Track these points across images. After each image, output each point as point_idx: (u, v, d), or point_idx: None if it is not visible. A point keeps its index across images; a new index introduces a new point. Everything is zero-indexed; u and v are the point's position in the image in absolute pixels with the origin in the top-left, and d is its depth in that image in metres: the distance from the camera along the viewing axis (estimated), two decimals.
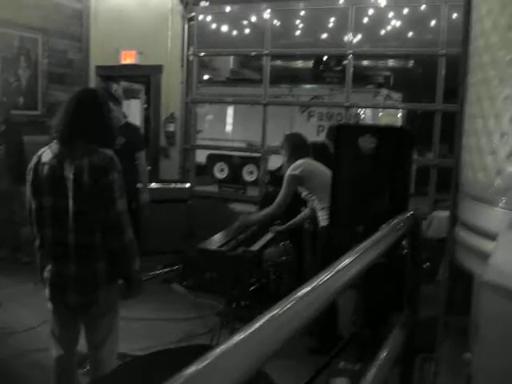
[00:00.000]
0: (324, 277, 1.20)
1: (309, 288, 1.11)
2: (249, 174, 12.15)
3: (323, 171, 4.49)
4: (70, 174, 2.67)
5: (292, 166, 4.53)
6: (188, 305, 5.43)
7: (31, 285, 5.62)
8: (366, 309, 3.46)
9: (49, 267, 2.80)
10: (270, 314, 0.97)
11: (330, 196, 3.80)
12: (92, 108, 2.83)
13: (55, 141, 2.77)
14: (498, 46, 1.88)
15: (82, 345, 2.99)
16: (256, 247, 4.55)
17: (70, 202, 2.67)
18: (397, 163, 3.31)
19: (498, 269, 1.47)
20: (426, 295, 2.81)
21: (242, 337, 0.88)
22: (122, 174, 2.76)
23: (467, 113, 2.18)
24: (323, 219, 4.42)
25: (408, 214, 2.06)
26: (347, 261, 1.38)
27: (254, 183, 9.65)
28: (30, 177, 2.77)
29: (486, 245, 1.67)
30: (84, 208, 2.67)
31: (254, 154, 8.23)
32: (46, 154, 2.77)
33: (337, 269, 1.29)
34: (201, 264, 5.61)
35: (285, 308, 1.01)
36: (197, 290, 5.70)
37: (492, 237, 1.64)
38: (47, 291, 2.82)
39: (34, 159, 2.80)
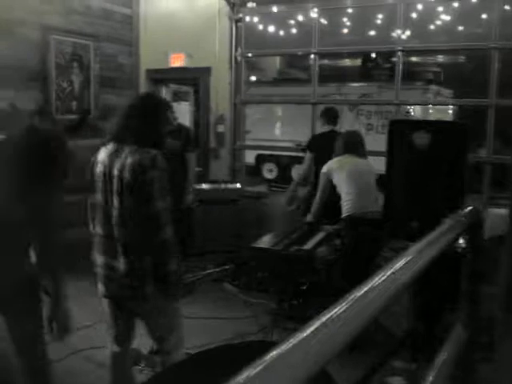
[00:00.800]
0: (384, 275, 1.19)
1: (369, 286, 1.11)
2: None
3: (356, 164, 4.71)
4: (116, 172, 2.77)
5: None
6: (240, 304, 5.46)
7: (84, 282, 5.84)
8: (421, 306, 3.42)
9: (99, 262, 2.89)
10: (333, 312, 0.97)
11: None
12: (143, 111, 2.91)
13: (110, 141, 2.88)
14: None
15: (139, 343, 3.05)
16: (308, 246, 4.55)
17: (116, 198, 2.77)
18: (452, 158, 3.25)
19: None
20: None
21: (305, 335, 0.88)
22: (167, 174, 2.81)
23: None
24: (346, 206, 4.67)
25: (470, 209, 2.01)
26: (408, 258, 1.36)
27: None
28: (88, 176, 2.90)
29: None
30: (125, 204, 2.75)
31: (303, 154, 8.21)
32: (101, 153, 2.88)
33: (398, 266, 1.27)
34: (253, 263, 5.64)
35: (346, 306, 1.02)
36: (248, 289, 5.73)
37: None
38: (99, 286, 2.91)
39: (92, 159, 2.91)
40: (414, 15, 7.18)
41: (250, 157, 10.69)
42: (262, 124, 12.12)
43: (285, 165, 12.37)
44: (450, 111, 11.50)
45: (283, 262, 4.37)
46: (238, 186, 7.34)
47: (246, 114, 8.28)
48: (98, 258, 2.90)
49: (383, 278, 1.21)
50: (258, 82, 12.47)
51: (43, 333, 2.76)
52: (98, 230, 2.89)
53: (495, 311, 2.62)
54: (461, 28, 8.28)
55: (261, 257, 4.94)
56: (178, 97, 8.77)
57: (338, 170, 4.92)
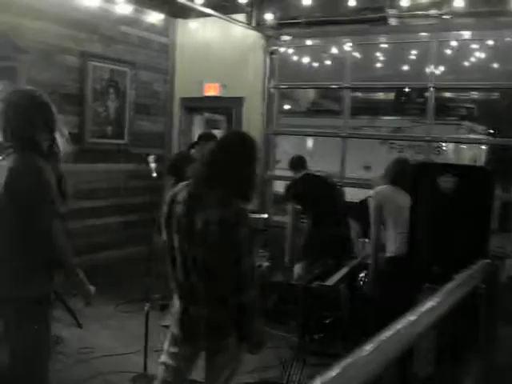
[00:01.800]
0: (403, 324, 1.25)
1: (392, 332, 1.16)
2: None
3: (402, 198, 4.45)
4: (199, 222, 2.61)
5: None
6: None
7: (111, 307, 5.94)
8: (442, 350, 3.40)
9: (177, 305, 2.82)
10: (357, 355, 1.02)
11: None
12: (239, 154, 2.74)
13: (192, 182, 2.74)
14: None
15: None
16: (331, 282, 4.56)
17: (198, 249, 2.64)
18: (477, 203, 3.25)
19: None
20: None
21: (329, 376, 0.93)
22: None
23: None
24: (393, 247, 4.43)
25: (485, 262, 2.03)
26: (427, 307, 1.40)
27: None
28: (164, 212, 2.76)
29: None
30: (211, 259, 2.64)
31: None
32: (182, 193, 2.73)
33: (417, 315, 1.32)
34: (275, 296, 5.66)
35: (372, 349, 1.07)
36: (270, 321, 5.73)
37: None
38: (175, 328, 2.83)
39: (170, 195, 2.79)
40: (448, 51, 7.20)
41: (279, 186, 10.71)
42: (293, 153, 12.15)
43: None
44: (483, 147, 11.42)
45: (305, 296, 4.38)
46: (266, 216, 7.38)
47: (276, 143, 8.34)
48: (177, 304, 2.82)
49: (403, 325, 1.27)
50: (291, 112, 12.55)
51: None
52: (176, 272, 2.77)
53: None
54: (495, 65, 8.24)
55: (284, 290, 5.00)
56: (211, 125, 8.88)
57: (388, 201, 4.48)
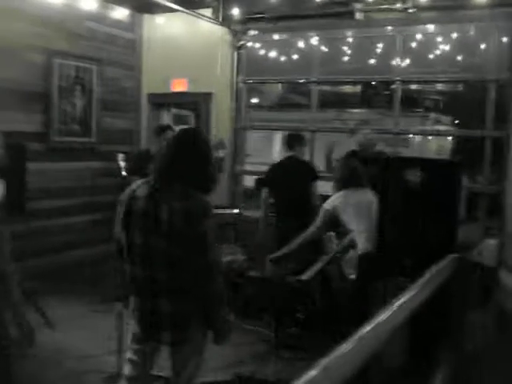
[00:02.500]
0: (382, 318, 1.27)
1: (368, 328, 1.19)
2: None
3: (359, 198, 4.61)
4: (164, 215, 2.66)
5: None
6: (235, 331, 5.47)
7: (83, 307, 5.89)
8: (414, 342, 3.46)
9: (136, 303, 2.83)
10: (337, 353, 1.05)
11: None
12: (194, 151, 2.82)
13: (152, 178, 2.79)
14: None
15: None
16: (306, 276, 4.59)
17: (162, 242, 2.68)
18: (445, 196, 3.31)
19: None
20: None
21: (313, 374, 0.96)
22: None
23: None
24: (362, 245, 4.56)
25: (453, 257, 2.07)
26: (402, 301, 1.43)
27: None
28: (122, 209, 2.79)
29: None
30: (176, 251, 2.67)
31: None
32: (142, 189, 2.78)
33: (392, 310, 1.35)
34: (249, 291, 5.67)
35: (350, 346, 1.10)
36: (244, 316, 5.74)
37: None
38: (135, 326, 2.85)
39: (128, 192, 2.82)
40: (413, 45, 7.27)
41: (249, 180, 10.73)
42: (262, 147, 12.18)
43: None
44: (450, 138, 11.58)
45: (278, 291, 4.41)
46: (236, 211, 7.39)
47: (246, 138, 8.35)
48: (135, 299, 2.85)
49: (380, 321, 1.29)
50: (259, 106, 12.57)
51: None
52: (136, 270, 2.80)
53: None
54: (459, 58, 8.36)
55: (257, 285, 5.03)
56: (178, 120, 8.85)
57: (345, 205, 4.67)
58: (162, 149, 2.91)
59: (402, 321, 1.40)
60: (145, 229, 2.73)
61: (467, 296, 2.24)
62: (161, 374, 3.11)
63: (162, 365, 2.97)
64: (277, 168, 6.12)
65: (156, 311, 2.76)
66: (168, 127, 6.53)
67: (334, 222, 4.82)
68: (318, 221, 4.85)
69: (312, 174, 6.00)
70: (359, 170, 4.84)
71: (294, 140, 6.14)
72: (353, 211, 4.58)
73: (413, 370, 3.26)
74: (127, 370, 2.93)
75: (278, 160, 6.27)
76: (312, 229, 4.89)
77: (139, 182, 2.86)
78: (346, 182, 4.74)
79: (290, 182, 5.84)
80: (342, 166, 4.95)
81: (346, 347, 1.12)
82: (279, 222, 5.99)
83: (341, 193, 4.78)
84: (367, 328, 1.25)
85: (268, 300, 5.20)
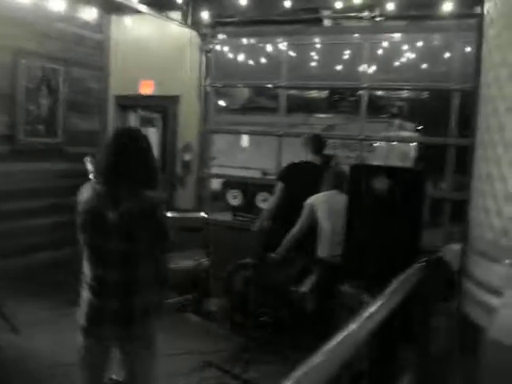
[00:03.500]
0: (352, 327, 1.31)
1: (340, 338, 1.23)
2: (262, 201, 12.21)
3: (337, 200, 4.82)
4: (115, 216, 2.74)
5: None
6: (203, 334, 5.50)
7: (47, 311, 5.82)
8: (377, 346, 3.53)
9: (87, 301, 2.86)
10: (309, 363, 1.08)
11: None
12: (136, 150, 2.87)
13: (97, 180, 2.84)
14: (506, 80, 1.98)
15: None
16: (306, 287, 4.75)
17: (115, 242, 2.75)
18: (409, 203, 3.39)
19: (503, 327, 1.54)
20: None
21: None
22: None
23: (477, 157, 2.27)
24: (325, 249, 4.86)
25: (418, 266, 2.14)
26: (371, 311, 1.48)
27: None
28: (78, 212, 2.85)
29: (492, 299, 1.75)
30: (129, 248, 2.77)
31: (268, 182, 8.33)
32: (87, 192, 2.85)
33: (362, 320, 1.39)
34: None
35: (322, 356, 1.14)
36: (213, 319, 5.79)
37: (497, 292, 1.71)
38: (84, 323, 2.87)
39: (80, 195, 2.88)
40: (379, 52, 7.39)
41: (216, 183, 10.74)
42: (228, 150, 12.19)
43: (250, 192, 12.41)
44: (413, 144, 11.77)
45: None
46: (203, 214, 7.39)
47: (213, 141, 8.36)
48: (86, 297, 2.88)
49: (352, 330, 1.34)
50: (226, 109, 12.58)
51: None
52: (90, 269, 2.85)
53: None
54: (424, 66, 8.53)
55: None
56: (146, 123, 8.83)
57: (322, 204, 5.07)
58: (101, 151, 2.93)
59: (371, 330, 1.44)
60: (96, 230, 2.80)
61: (432, 301, 2.31)
62: (114, 376, 3.11)
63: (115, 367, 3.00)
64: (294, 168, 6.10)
65: (106, 308, 2.81)
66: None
67: (313, 219, 5.08)
68: (302, 216, 5.16)
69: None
70: (341, 173, 5.08)
71: (320, 143, 6.10)
72: (327, 210, 4.96)
73: (381, 375, 3.32)
74: (80, 370, 2.98)
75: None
76: (297, 225, 5.19)
77: (88, 184, 2.92)
78: (329, 184, 5.12)
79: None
80: (331, 175, 5.24)
81: (315, 359, 1.15)
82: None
83: (324, 192, 5.14)
84: (337, 339, 1.28)
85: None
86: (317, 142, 6.05)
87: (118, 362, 2.98)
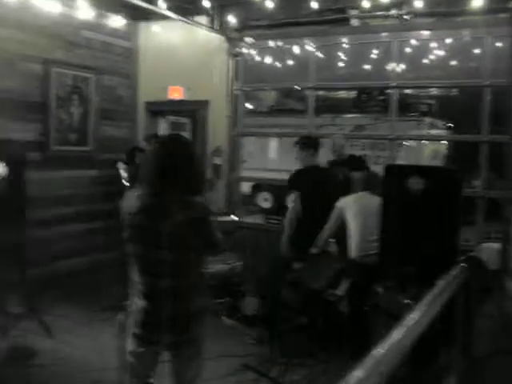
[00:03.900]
0: (397, 336, 1.29)
1: (385, 347, 1.21)
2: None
3: (369, 204, 4.78)
4: (167, 226, 2.71)
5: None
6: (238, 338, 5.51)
7: (83, 316, 5.89)
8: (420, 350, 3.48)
9: (139, 308, 2.85)
10: (355, 372, 1.07)
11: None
12: (184, 157, 2.85)
13: (143, 190, 2.81)
14: None
15: None
16: (341, 291, 4.74)
17: (166, 252, 2.74)
18: (446, 203, 3.34)
19: None
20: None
21: None
22: None
23: None
24: (354, 249, 4.88)
25: (460, 267, 2.10)
26: (414, 318, 1.45)
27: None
28: (125, 222, 2.82)
29: None
30: (184, 256, 2.79)
31: None
32: (134, 202, 2.81)
33: (407, 328, 1.37)
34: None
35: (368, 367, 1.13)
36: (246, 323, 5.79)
37: None
38: (137, 330, 2.87)
39: (124, 205, 2.86)
40: (408, 50, 7.32)
41: (246, 186, 10.76)
42: (258, 153, 12.20)
43: (281, 194, 12.38)
44: (445, 142, 11.64)
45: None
46: (235, 218, 7.40)
47: (242, 144, 8.37)
48: (138, 304, 2.87)
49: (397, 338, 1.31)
50: (254, 112, 12.58)
51: None
52: (138, 278, 2.85)
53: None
54: (454, 63, 8.43)
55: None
56: (175, 128, 8.88)
57: (351, 206, 5.08)
58: (147, 160, 2.92)
59: (416, 337, 1.41)
60: (148, 242, 2.78)
61: (474, 302, 2.28)
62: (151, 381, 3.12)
63: (162, 372, 3.00)
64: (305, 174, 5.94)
65: (160, 314, 2.81)
66: (156, 136, 6.60)
67: (342, 220, 5.11)
68: (331, 217, 5.19)
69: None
70: (373, 176, 5.07)
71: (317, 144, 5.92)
72: (357, 211, 4.99)
73: (423, 379, 3.29)
74: (128, 374, 2.97)
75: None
76: (327, 226, 5.22)
77: (134, 193, 2.87)
78: (359, 185, 5.16)
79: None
80: (363, 179, 5.28)
81: (358, 372, 1.13)
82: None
83: (354, 194, 5.18)
84: (382, 348, 1.25)
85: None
86: (314, 144, 5.87)
87: (164, 367, 2.99)
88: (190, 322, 2.85)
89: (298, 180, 5.77)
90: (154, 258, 2.78)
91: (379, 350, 1.24)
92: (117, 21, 7.93)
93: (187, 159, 2.85)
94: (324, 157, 6.38)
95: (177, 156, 2.82)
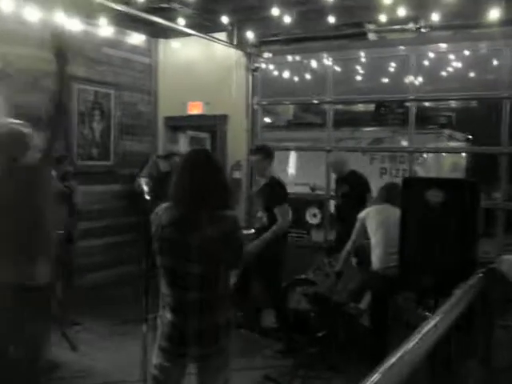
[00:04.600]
0: (410, 345, 1.31)
1: (398, 356, 1.23)
2: (312, 216, 12.19)
3: (389, 215, 4.79)
4: (197, 240, 2.74)
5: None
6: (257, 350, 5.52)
7: (105, 329, 5.95)
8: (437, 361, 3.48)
9: (167, 321, 2.87)
10: (370, 380, 1.10)
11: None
12: (212, 171, 2.89)
13: (172, 203, 2.84)
14: None
15: None
16: (364, 305, 4.79)
17: (196, 265, 2.76)
18: (464, 215, 3.36)
19: None
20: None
21: None
22: None
23: None
24: (376, 261, 4.88)
25: (480, 275, 2.12)
26: (430, 326, 1.47)
27: (318, 226, 9.75)
28: (155, 234, 2.85)
29: None
30: (213, 269, 2.81)
31: (317, 197, 8.33)
32: (167, 215, 2.83)
33: (421, 335, 1.39)
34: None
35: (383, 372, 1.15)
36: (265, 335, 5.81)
37: None
38: (165, 343, 2.88)
39: (155, 218, 2.87)
40: (426, 63, 7.34)
41: None
42: (276, 167, 12.18)
43: (300, 208, 12.38)
44: (464, 154, 11.61)
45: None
46: (253, 231, 7.41)
47: None
48: (166, 317, 2.88)
49: (411, 346, 1.33)
50: (272, 126, 12.62)
51: None
52: (167, 290, 2.87)
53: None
54: (472, 75, 8.44)
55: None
56: (195, 143, 8.97)
57: (373, 217, 5.11)
58: (176, 174, 2.93)
59: (431, 346, 1.44)
60: (177, 254, 2.80)
61: (494, 313, 2.29)
62: None
63: None
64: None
65: (188, 327, 2.82)
66: (174, 154, 6.73)
67: (363, 231, 5.17)
68: (354, 230, 5.26)
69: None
70: (395, 187, 5.08)
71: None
72: (378, 223, 5.02)
73: None
74: None
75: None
76: (352, 237, 5.30)
77: (163, 207, 2.90)
78: (381, 197, 5.24)
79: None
80: (384, 189, 5.34)
81: (373, 379, 1.16)
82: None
83: (375, 205, 5.28)
84: (395, 357, 1.27)
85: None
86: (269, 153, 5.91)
87: (191, 380, 3.00)
88: (217, 334, 2.84)
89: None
90: (183, 271, 2.80)
91: (393, 359, 1.26)
92: (137, 38, 8.08)
93: (216, 172, 2.90)
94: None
95: (205, 169, 2.86)
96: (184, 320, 2.83)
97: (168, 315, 2.88)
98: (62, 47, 3.20)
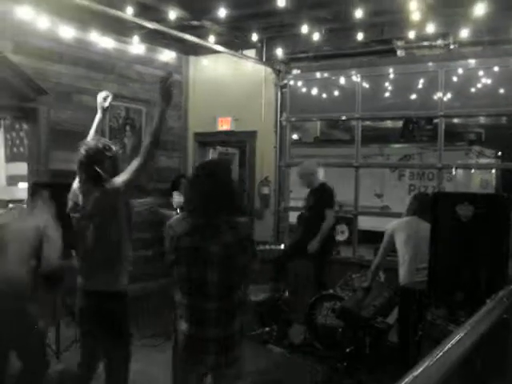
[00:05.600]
0: (433, 359, 1.33)
1: (423, 368, 1.24)
2: (340, 233, 12.16)
3: (419, 229, 4.77)
4: (215, 247, 2.82)
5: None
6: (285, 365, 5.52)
7: (135, 341, 5.97)
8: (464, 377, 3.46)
9: (185, 331, 2.91)
10: None
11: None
12: (227, 179, 3.00)
13: (189, 213, 2.94)
14: None
15: None
16: (391, 320, 4.81)
17: (215, 273, 2.82)
18: (495, 230, 3.35)
19: None
20: None
21: None
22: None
23: None
24: (405, 276, 4.84)
25: (505, 293, 2.12)
26: (458, 337, 1.48)
27: (346, 242, 9.70)
28: (170, 246, 2.91)
29: None
30: (231, 276, 2.88)
31: (345, 215, 8.32)
32: (181, 225, 2.91)
33: (447, 347, 1.40)
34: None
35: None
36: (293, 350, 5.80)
37: None
38: (183, 353, 2.94)
39: (169, 231, 2.94)
40: (454, 79, 7.33)
41: (292, 216, 10.78)
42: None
43: None
44: (493, 170, 11.51)
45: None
46: (282, 246, 7.46)
47: (289, 174, 8.44)
48: (184, 327, 2.92)
49: (436, 359, 1.35)
50: (300, 143, 12.69)
51: None
52: (184, 300, 2.92)
53: None
54: (501, 91, 8.38)
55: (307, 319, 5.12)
56: (224, 158, 9.06)
57: (401, 230, 5.07)
58: (189, 185, 3.10)
59: (454, 362, 1.44)
60: (195, 263, 2.86)
61: None
62: None
63: None
64: None
65: (206, 336, 2.87)
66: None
67: (392, 244, 5.15)
68: (383, 242, 5.24)
69: None
70: (427, 198, 5.07)
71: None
72: (406, 236, 4.97)
73: None
74: None
75: None
76: (380, 252, 5.30)
77: (176, 218, 3.01)
78: (411, 210, 5.17)
79: None
80: (414, 198, 5.35)
81: None
82: None
83: (404, 218, 5.22)
84: (417, 372, 1.28)
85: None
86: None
87: None
88: (233, 342, 2.91)
89: None
90: (201, 280, 2.85)
91: (418, 370, 1.27)
92: (168, 55, 8.22)
93: (230, 181, 3.02)
94: None
95: (221, 179, 2.96)
96: (201, 329, 2.87)
97: (184, 325, 2.92)
98: (169, 91, 3.39)
